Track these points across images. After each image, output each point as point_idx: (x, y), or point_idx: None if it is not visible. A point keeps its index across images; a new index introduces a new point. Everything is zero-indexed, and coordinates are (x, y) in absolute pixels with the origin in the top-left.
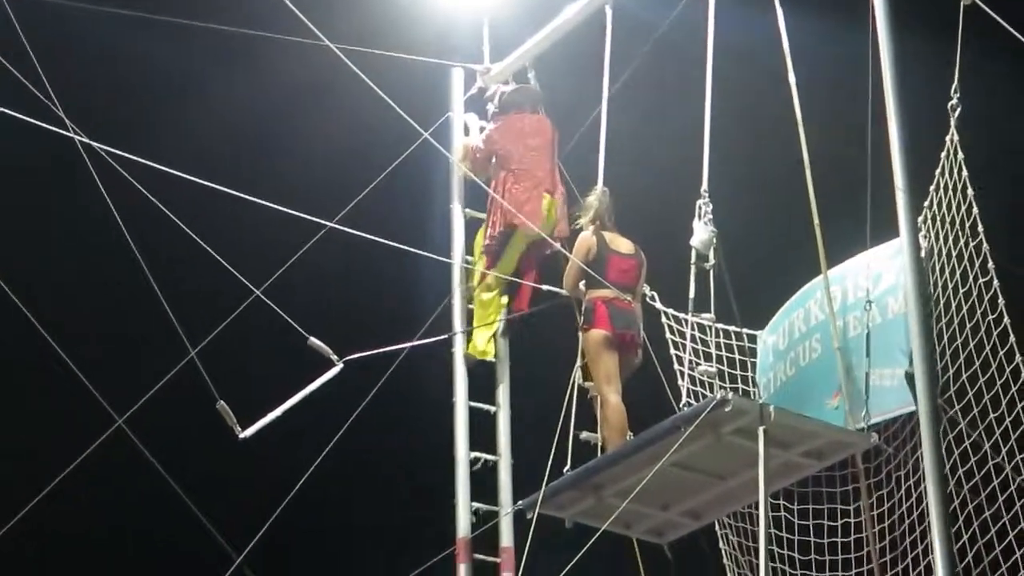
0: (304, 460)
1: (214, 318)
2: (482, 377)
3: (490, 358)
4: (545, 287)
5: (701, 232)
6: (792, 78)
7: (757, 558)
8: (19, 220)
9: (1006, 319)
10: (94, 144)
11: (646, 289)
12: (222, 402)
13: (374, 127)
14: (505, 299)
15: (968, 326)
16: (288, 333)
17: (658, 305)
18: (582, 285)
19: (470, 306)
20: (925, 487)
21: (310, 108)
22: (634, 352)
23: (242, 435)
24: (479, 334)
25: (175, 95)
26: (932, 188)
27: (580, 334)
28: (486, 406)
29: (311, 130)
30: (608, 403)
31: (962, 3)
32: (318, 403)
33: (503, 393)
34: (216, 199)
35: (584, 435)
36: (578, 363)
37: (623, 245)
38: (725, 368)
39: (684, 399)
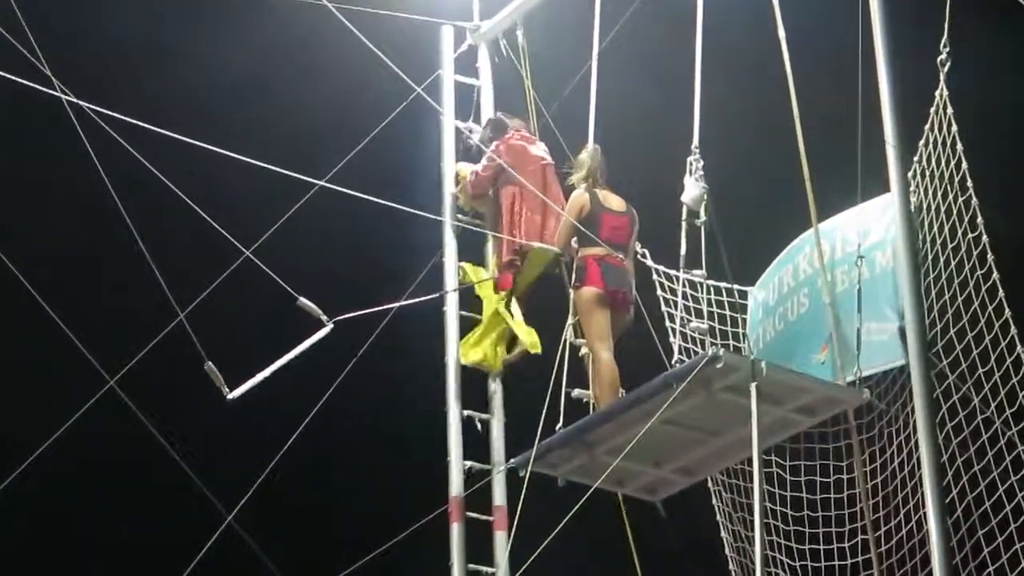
0: (297, 420)
1: (204, 278)
2: None
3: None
4: (536, 244)
5: (692, 189)
6: (782, 33)
7: (749, 514)
8: (8, 181)
9: (995, 274)
10: (83, 104)
11: (637, 247)
12: (210, 363)
13: (364, 85)
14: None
15: (956, 281)
16: (278, 293)
17: (649, 262)
18: (574, 242)
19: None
20: (916, 441)
21: (300, 66)
22: (626, 310)
23: (230, 396)
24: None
25: (165, 52)
26: (921, 143)
27: (572, 291)
28: None
29: (301, 88)
30: (600, 360)
31: None
32: (310, 363)
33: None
34: (205, 158)
35: (576, 393)
36: (570, 321)
37: (615, 203)
38: (716, 325)
39: (676, 356)
